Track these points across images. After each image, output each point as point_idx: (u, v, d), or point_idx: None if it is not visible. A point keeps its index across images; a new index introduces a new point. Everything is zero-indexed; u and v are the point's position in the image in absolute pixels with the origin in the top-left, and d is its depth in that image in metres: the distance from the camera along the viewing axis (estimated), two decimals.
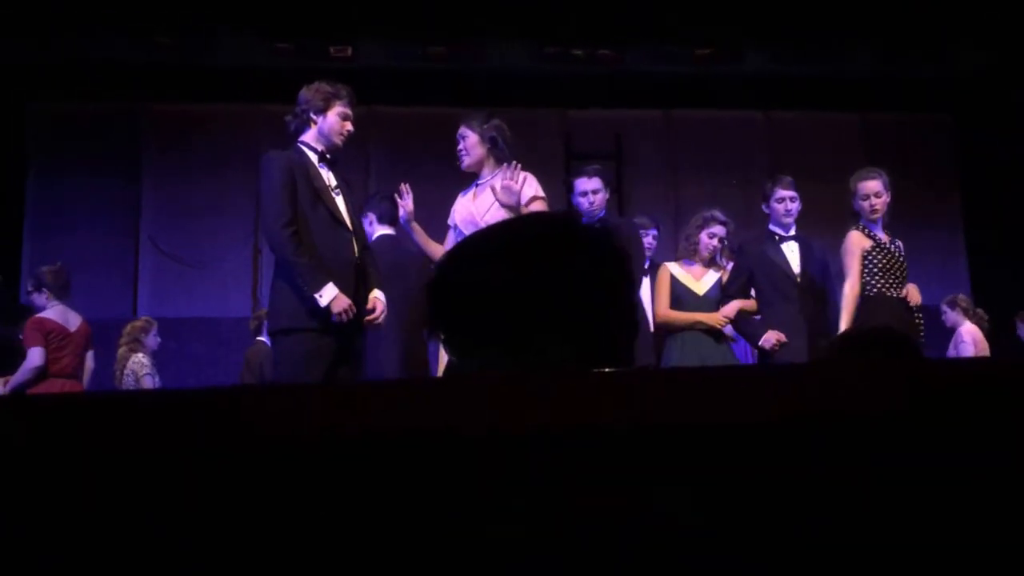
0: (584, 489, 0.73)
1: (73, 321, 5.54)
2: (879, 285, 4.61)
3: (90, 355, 5.70)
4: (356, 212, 4.12)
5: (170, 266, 7.93)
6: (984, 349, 6.50)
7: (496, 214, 4.09)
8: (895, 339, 2.10)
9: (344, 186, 4.04)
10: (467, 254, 1.15)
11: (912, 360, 1.90)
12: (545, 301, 1.06)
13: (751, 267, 4.88)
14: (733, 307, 4.88)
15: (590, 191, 4.80)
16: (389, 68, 7.65)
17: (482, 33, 7.44)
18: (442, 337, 1.13)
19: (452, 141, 4.34)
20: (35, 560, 0.71)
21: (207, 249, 7.96)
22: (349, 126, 4.01)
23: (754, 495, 0.74)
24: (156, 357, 6.20)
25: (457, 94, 7.35)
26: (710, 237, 5.07)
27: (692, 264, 5.10)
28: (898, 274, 4.64)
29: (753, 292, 4.96)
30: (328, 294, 3.73)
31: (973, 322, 6.68)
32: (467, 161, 4.29)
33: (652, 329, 5.07)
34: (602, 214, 4.83)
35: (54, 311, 5.47)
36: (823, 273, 4.91)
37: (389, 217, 5.03)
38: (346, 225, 3.95)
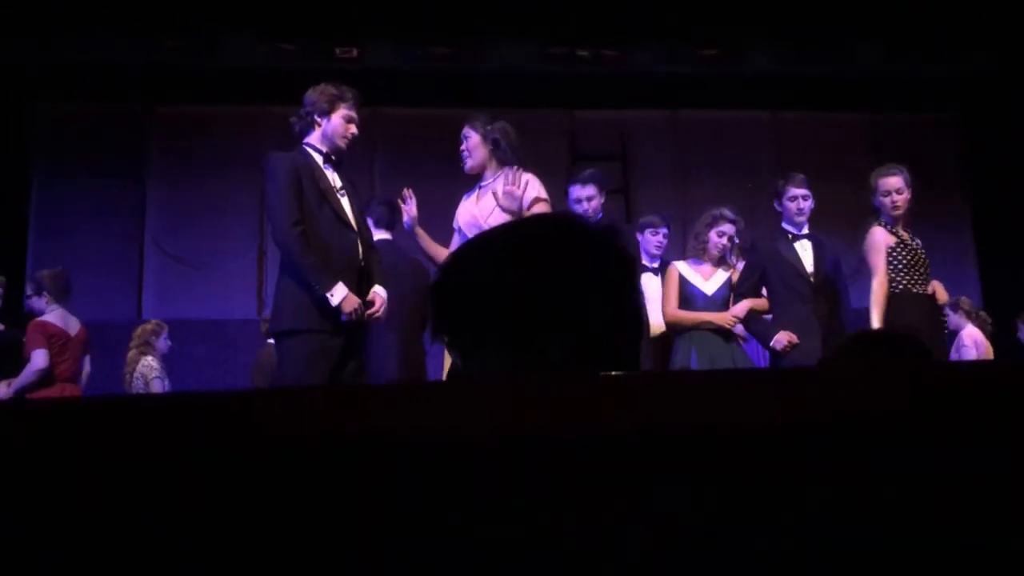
0: (588, 493, 0.73)
1: (73, 325, 5.53)
2: (904, 282, 4.56)
3: (87, 359, 5.69)
4: (361, 213, 4.11)
5: (174, 268, 7.93)
6: (987, 352, 6.47)
7: (499, 217, 4.07)
8: (902, 341, 2.08)
9: (349, 187, 4.04)
10: (470, 255, 1.14)
11: (916, 362, 1.88)
12: (548, 301, 1.05)
13: (763, 266, 4.83)
14: (743, 307, 4.83)
15: (584, 198, 4.80)
16: (394, 69, 7.64)
17: (487, 34, 7.43)
18: (445, 339, 1.12)
19: (457, 142, 4.32)
20: (40, 565, 0.71)
21: (211, 251, 7.96)
22: (353, 129, 4.00)
23: (758, 499, 0.74)
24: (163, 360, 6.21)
25: (462, 95, 7.35)
26: (719, 236, 5.03)
27: (701, 263, 5.06)
28: (922, 271, 4.60)
29: (765, 291, 4.92)
30: (339, 293, 3.73)
31: (976, 325, 6.64)
32: (470, 163, 4.27)
33: (663, 329, 5.06)
34: (598, 218, 4.81)
35: (54, 315, 5.46)
36: (836, 272, 4.87)
37: (387, 222, 5.03)
38: (351, 226, 3.95)
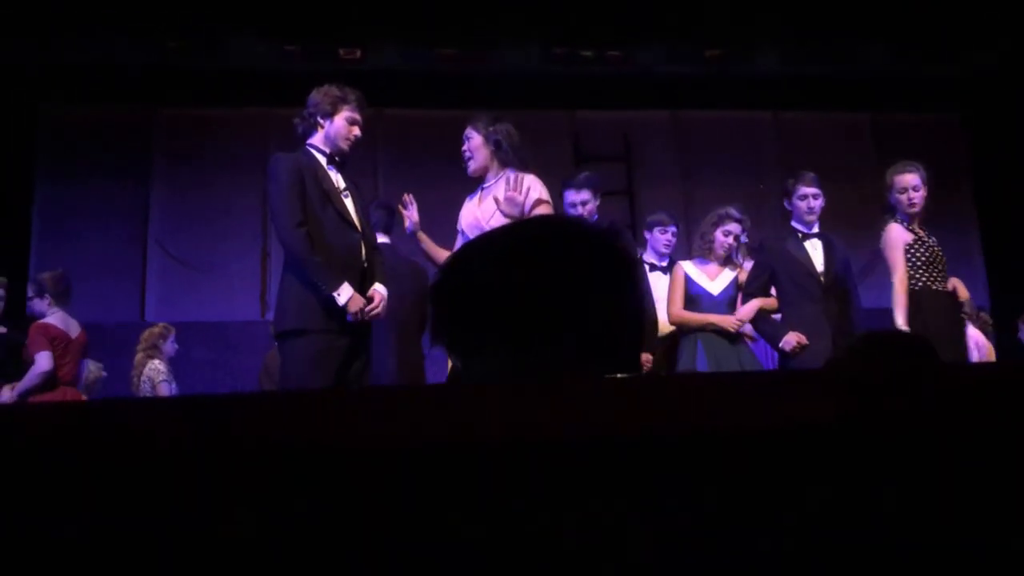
0: (589, 496, 0.73)
1: (74, 328, 5.53)
2: (923, 279, 4.53)
3: (84, 363, 5.69)
4: (365, 214, 4.10)
5: (178, 270, 7.92)
6: (988, 354, 6.45)
7: (501, 219, 4.05)
8: (908, 342, 2.07)
9: (353, 188, 4.03)
10: (469, 257, 1.14)
11: (919, 364, 1.87)
12: (548, 302, 1.05)
13: (772, 265, 4.79)
14: (750, 309, 4.79)
15: (579, 202, 4.80)
16: (397, 70, 7.63)
17: (490, 35, 7.42)
18: (445, 341, 1.12)
19: (460, 143, 4.31)
20: (51, 569, 0.71)
21: (215, 253, 7.95)
22: (356, 131, 3.99)
23: (759, 502, 0.74)
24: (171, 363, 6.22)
25: (465, 96, 7.33)
26: (725, 235, 5.00)
27: (707, 263, 5.04)
28: (940, 268, 4.57)
29: (774, 291, 4.89)
30: (345, 293, 3.73)
31: (976, 327, 6.61)
32: (472, 165, 4.25)
33: (672, 328, 5.05)
34: (594, 220, 4.80)
35: (55, 317, 5.45)
36: (847, 272, 4.83)
37: (384, 225, 5.03)
38: (355, 227, 3.94)
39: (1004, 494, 0.75)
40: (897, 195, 4.65)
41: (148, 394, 5.92)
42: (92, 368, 5.97)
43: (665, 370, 5.02)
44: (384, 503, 0.72)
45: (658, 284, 5.23)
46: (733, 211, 5.05)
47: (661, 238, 5.45)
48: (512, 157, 4.20)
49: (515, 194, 4.04)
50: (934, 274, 4.55)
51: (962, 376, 0.82)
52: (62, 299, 5.50)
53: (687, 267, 5.05)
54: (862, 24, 7.24)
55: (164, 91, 7.76)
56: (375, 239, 4.17)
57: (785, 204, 4.89)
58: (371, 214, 4.99)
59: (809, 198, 4.78)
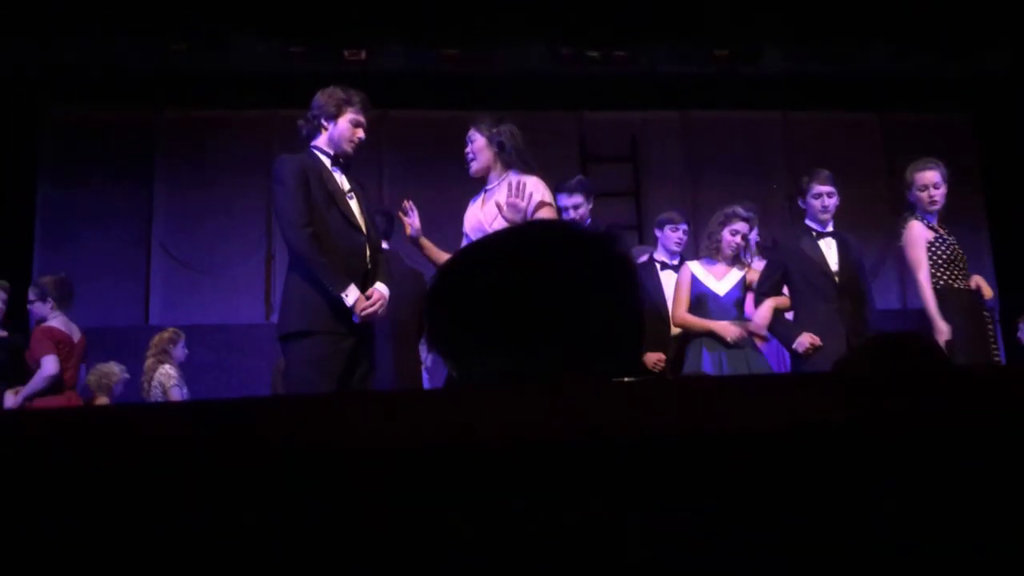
0: (590, 500, 0.73)
1: (75, 332, 5.53)
2: (944, 278, 4.49)
3: (83, 367, 5.69)
4: (370, 216, 4.08)
5: (181, 272, 7.92)
6: None
7: (503, 223, 4.01)
8: (918, 345, 2.04)
9: (358, 189, 4.02)
10: (465, 261, 1.14)
11: (930, 367, 1.85)
12: (546, 306, 1.05)
13: (785, 264, 4.75)
14: (765, 313, 4.71)
15: (571, 207, 4.79)
16: (402, 71, 7.61)
17: (496, 36, 7.40)
18: (442, 345, 1.11)
19: (465, 145, 4.29)
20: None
21: (219, 255, 7.95)
22: (360, 133, 3.97)
23: (760, 506, 0.73)
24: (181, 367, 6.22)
25: (471, 97, 7.31)
26: (732, 234, 4.96)
27: (714, 263, 5.00)
28: (961, 265, 4.53)
29: (785, 290, 4.83)
30: (353, 294, 3.72)
31: None
32: (475, 166, 4.22)
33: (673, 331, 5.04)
34: (586, 223, 4.78)
35: (59, 321, 5.45)
36: (861, 272, 4.78)
37: (384, 232, 5.01)
38: (359, 228, 3.92)
39: (1011, 496, 0.74)
40: (917, 192, 4.61)
41: (159, 399, 5.92)
42: (115, 370, 5.98)
43: (671, 371, 5.00)
44: (386, 505, 0.72)
45: (669, 282, 5.20)
46: (740, 210, 5.02)
47: (672, 236, 5.41)
48: (515, 159, 4.16)
49: (517, 200, 4.00)
50: (955, 272, 4.50)
51: (966, 378, 0.82)
52: (64, 303, 5.50)
53: (694, 267, 5.02)
54: (869, 24, 7.21)
55: (167, 93, 7.75)
56: (379, 241, 4.15)
57: (799, 202, 4.84)
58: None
59: (824, 196, 4.73)
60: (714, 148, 8.44)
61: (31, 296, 5.54)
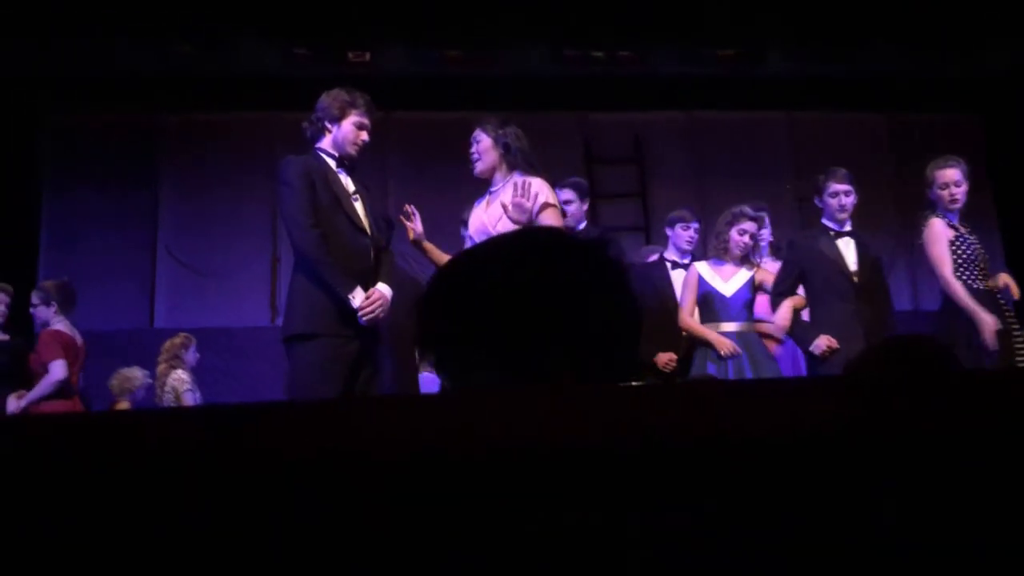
0: (590, 505, 0.72)
1: (77, 337, 5.53)
2: (963, 278, 4.43)
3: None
4: (375, 217, 4.07)
5: (187, 276, 7.91)
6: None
7: (507, 224, 4.00)
8: (929, 349, 2.02)
9: (363, 191, 4.02)
10: (458, 269, 1.14)
11: (937, 371, 1.83)
12: (539, 312, 1.06)
13: (801, 264, 4.70)
14: (785, 316, 4.61)
15: (560, 202, 4.75)
16: (407, 73, 7.60)
17: (500, 37, 7.39)
18: (435, 352, 1.11)
19: (470, 146, 4.27)
20: None
21: (224, 258, 7.93)
22: (364, 136, 3.98)
23: (761, 511, 0.73)
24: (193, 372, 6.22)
25: (475, 99, 7.30)
26: (740, 234, 4.93)
27: (722, 263, 4.96)
28: (981, 266, 4.48)
29: (801, 290, 4.78)
30: (360, 296, 3.72)
31: None
32: (479, 167, 4.21)
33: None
34: (580, 226, 4.77)
35: (62, 325, 5.45)
36: (879, 272, 4.73)
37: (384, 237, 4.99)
38: (364, 230, 3.93)
39: (1015, 498, 0.74)
40: (938, 191, 4.57)
41: (171, 404, 5.94)
42: (138, 375, 6.01)
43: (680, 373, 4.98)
44: (389, 508, 0.72)
45: (680, 282, 5.18)
46: (748, 209, 4.98)
47: (684, 235, 5.39)
48: (520, 160, 4.15)
49: (523, 200, 3.98)
50: (974, 272, 4.46)
51: (971, 381, 0.82)
52: (67, 307, 5.50)
53: (701, 268, 4.99)
54: (876, 24, 7.18)
55: (171, 96, 7.74)
56: (384, 243, 4.14)
57: (815, 201, 4.81)
58: None
59: (840, 195, 4.70)
60: (719, 149, 8.42)
61: (34, 300, 5.54)
